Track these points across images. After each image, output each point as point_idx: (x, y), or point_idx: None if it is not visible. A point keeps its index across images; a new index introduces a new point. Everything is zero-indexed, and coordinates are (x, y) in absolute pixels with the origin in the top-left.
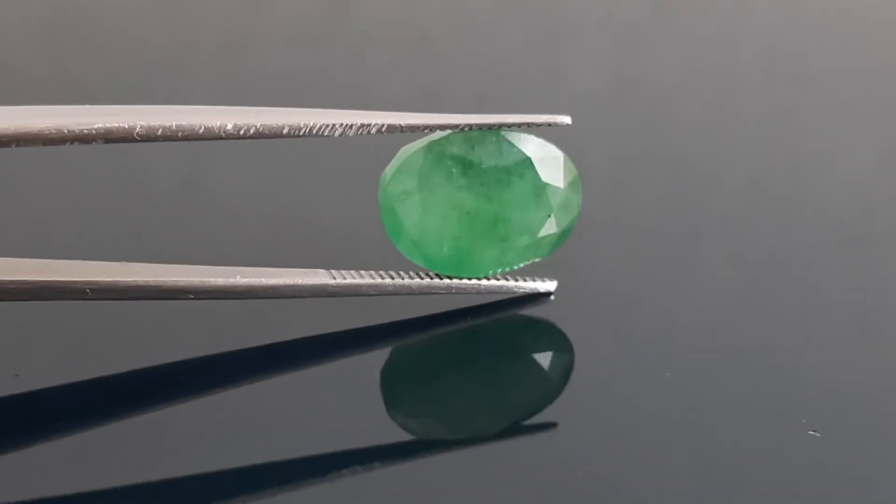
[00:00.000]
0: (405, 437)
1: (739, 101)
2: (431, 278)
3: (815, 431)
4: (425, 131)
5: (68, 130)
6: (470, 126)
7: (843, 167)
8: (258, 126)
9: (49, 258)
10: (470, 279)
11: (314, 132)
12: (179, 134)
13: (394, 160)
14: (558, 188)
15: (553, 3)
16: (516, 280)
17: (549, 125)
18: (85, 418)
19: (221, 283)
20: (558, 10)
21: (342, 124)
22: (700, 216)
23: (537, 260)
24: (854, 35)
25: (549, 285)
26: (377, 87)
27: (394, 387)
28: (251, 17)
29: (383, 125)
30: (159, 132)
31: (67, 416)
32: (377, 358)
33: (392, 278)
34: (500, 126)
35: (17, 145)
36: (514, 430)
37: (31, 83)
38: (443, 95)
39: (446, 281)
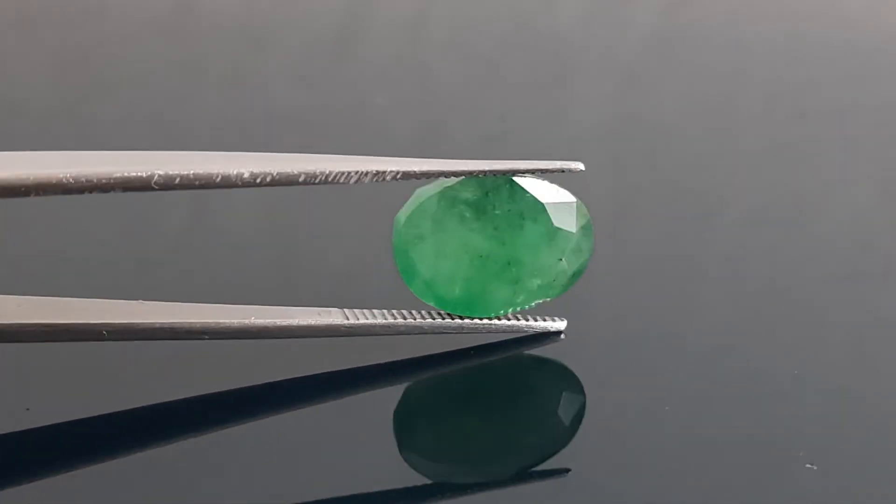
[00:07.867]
0: (416, 477)
1: (746, 138)
2: (443, 318)
3: (812, 465)
4: (440, 177)
5: (87, 180)
6: (484, 172)
7: (850, 202)
8: (275, 174)
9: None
10: (481, 319)
11: (330, 179)
12: (196, 182)
13: (408, 203)
14: (571, 232)
15: (554, 42)
16: (527, 319)
17: (563, 171)
18: (97, 454)
19: (236, 323)
20: (559, 48)
21: (357, 171)
22: (708, 254)
23: (548, 300)
24: (858, 70)
25: (559, 324)
26: (384, 125)
27: (405, 426)
28: (258, 54)
29: (398, 172)
30: (177, 181)
31: (75, 452)
32: (389, 396)
33: (404, 318)
34: (513, 172)
35: (35, 195)
36: (526, 475)
37: (38, 116)
38: (449, 134)
39: (458, 321)
